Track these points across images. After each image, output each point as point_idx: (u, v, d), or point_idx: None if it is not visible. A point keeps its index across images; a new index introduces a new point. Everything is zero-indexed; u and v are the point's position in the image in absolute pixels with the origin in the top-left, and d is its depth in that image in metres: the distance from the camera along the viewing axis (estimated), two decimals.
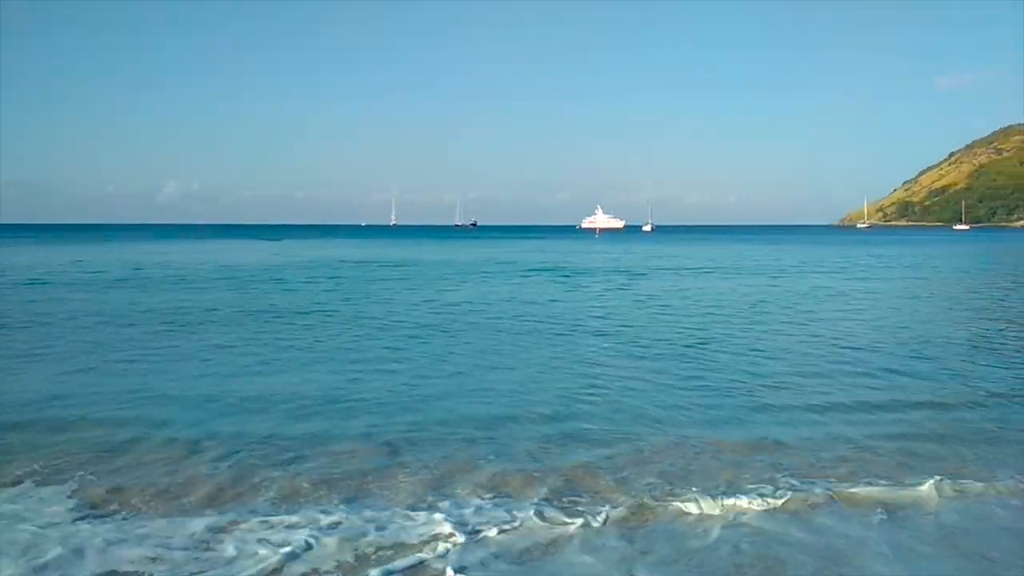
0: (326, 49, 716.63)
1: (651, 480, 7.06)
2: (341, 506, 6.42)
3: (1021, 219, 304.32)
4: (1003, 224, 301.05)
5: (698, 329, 17.18)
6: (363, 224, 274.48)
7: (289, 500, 6.61)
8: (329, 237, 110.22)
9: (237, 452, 7.83)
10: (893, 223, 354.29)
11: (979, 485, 6.91)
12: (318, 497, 6.65)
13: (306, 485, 6.93)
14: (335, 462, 7.59)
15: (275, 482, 7.00)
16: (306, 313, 20.14)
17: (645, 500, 6.51)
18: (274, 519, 6.12)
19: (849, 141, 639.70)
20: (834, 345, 14.90)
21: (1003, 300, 24.59)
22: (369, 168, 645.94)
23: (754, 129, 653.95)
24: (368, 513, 6.25)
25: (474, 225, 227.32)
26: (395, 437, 8.43)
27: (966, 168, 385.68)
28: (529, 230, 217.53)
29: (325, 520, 6.09)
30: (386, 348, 14.65)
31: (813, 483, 6.93)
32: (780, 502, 6.43)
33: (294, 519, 6.12)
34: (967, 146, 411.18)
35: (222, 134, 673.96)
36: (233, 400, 10.13)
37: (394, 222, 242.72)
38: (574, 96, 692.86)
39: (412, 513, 6.27)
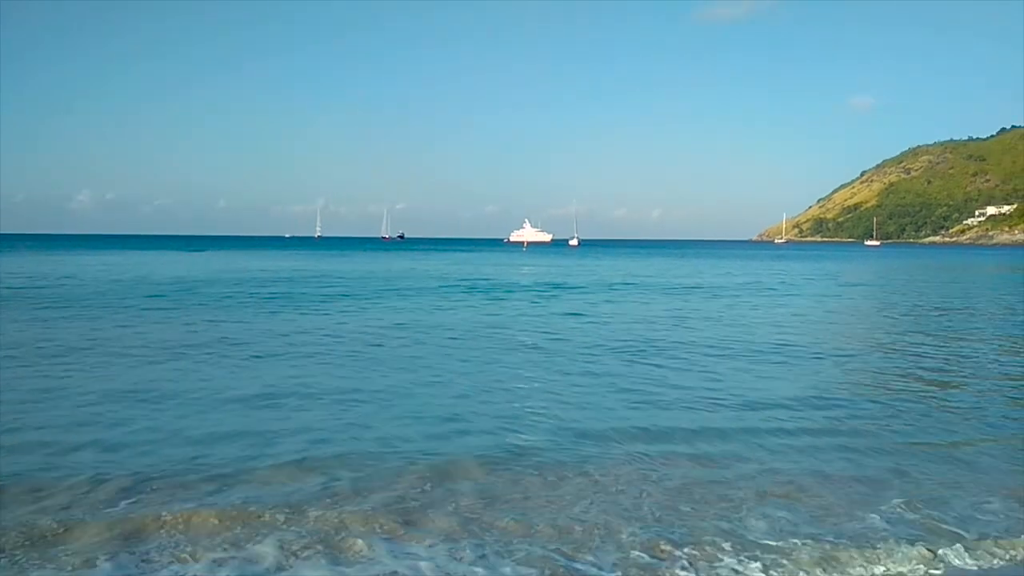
0: (248, 56, 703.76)
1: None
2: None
3: (928, 235, 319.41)
4: (911, 240, 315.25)
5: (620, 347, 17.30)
6: (287, 236, 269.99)
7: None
8: (251, 249, 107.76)
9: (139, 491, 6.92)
10: (808, 239, 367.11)
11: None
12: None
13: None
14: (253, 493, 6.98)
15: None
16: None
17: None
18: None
19: (767, 159, 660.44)
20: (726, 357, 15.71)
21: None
22: (294, 179, 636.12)
23: (675, 146, 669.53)
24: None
25: (402, 237, 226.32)
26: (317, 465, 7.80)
27: (877, 186, 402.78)
28: (457, 243, 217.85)
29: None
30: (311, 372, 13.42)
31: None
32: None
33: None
34: (878, 165, 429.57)
35: (140, 140, 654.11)
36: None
37: (319, 234, 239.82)
38: (503, 109, 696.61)
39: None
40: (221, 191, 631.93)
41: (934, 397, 11.52)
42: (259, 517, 6.26)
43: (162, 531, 5.98)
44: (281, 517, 6.25)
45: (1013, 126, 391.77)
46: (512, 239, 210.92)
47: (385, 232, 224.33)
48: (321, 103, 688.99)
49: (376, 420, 9.61)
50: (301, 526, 6.10)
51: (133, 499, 6.70)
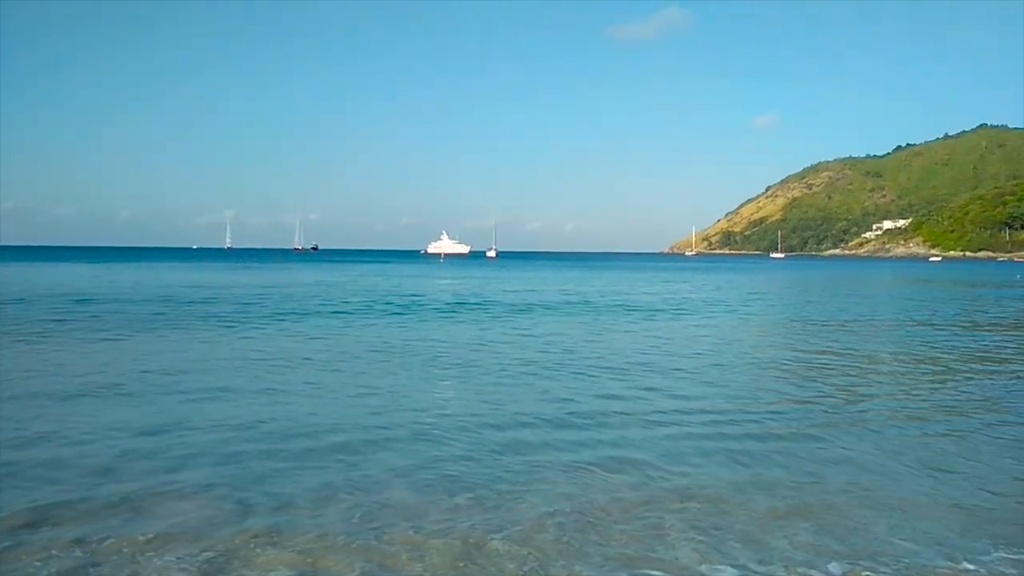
0: (157, 59, 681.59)
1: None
2: None
3: (829, 248, 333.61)
4: (814, 253, 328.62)
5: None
6: (194, 247, 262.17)
7: None
8: (153, 261, 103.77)
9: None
10: (717, 251, 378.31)
11: None
12: None
13: None
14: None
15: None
16: None
17: None
18: None
19: (677, 175, 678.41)
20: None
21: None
22: (202, 188, 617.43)
23: (590, 160, 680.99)
24: None
25: (315, 249, 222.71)
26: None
27: (781, 201, 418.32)
28: (373, 254, 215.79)
29: None
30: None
31: None
32: None
33: None
34: (782, 181, 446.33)
35: (37, 148, 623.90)
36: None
37: (228, 245, 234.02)
38: (420, 120, 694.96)
39: None
40: (124, 201, 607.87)
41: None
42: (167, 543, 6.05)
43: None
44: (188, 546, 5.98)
45: (908, 144, 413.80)
46: (430, 250, 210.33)
47: (298, 243, 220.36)
48: (232, 110, 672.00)
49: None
50: (210, 550, 5.92)
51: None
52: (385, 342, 19.27)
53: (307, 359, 16.10)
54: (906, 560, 5.91)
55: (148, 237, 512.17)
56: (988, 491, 7.58)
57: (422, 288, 44.43)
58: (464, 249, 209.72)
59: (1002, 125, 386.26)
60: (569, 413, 10.87)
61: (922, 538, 6.33)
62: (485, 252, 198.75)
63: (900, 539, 6.32)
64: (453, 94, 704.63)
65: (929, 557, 5.96)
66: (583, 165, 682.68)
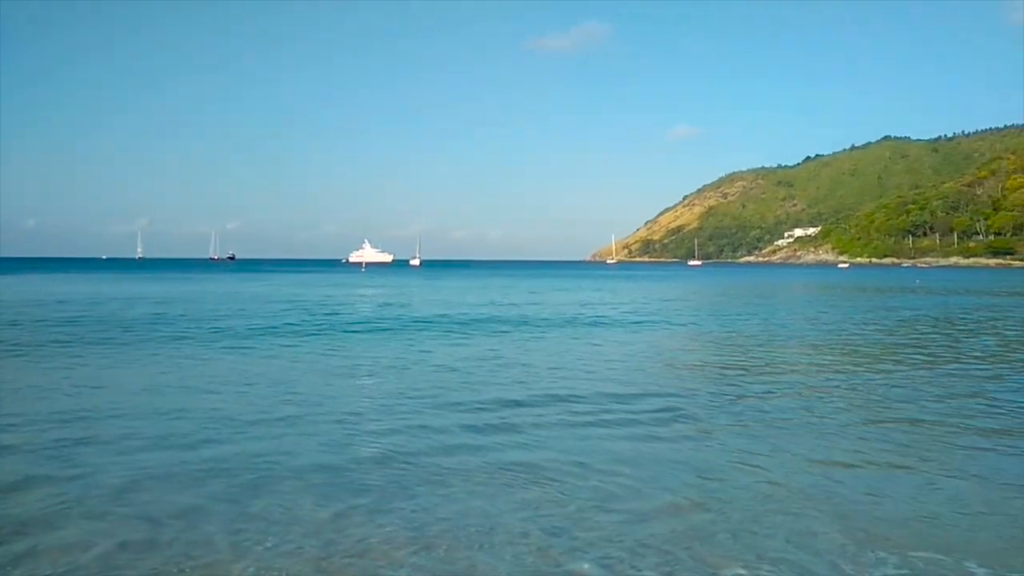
0: (63, 60, 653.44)
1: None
2: None
3: (744, 255, 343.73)
4: (729, 260, 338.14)
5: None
6: (104, 258, 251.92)
7: None
8: (56, 272, 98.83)
9: None
10: (637, 259, 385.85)
11: None
12: None
13: None
14: None
15: None
16: None
17: None
18: None
19: (598, 185, 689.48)
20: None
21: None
22: (113, 196, 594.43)
23: (513, 171, 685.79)
24: None
25: (232, 258, 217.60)
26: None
27: (698, 210, 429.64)
28: (293, 263, 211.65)
29: None
30: None
31: None
32: None
33: None
34: (698, 190, 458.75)
35: None
36: None
37: (141, 255, 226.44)
38: (343, 127, 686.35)
39: None
40: (31, 209, 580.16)
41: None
42: None
43: None
44: None
45: (817, 155, 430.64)
46: (351, 259, 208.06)
47: (214, 253, 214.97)
48: (145, 114, 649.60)
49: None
50: None
51: None
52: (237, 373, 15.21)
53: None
54: (795, 561, 5.85)
55: (56, 247, 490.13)
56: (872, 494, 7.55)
57: (323, 298, 43.21)
58: (387, 258, 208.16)
59: (904, 137, 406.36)
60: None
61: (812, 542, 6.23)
62: (408, 261, 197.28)
63: (794, 541, 6.24)
64: (376, 104, 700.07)
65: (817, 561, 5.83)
66: (508, 175, 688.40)
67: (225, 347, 19.37)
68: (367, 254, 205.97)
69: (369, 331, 23.99)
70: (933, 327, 27.36)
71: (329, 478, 7.98)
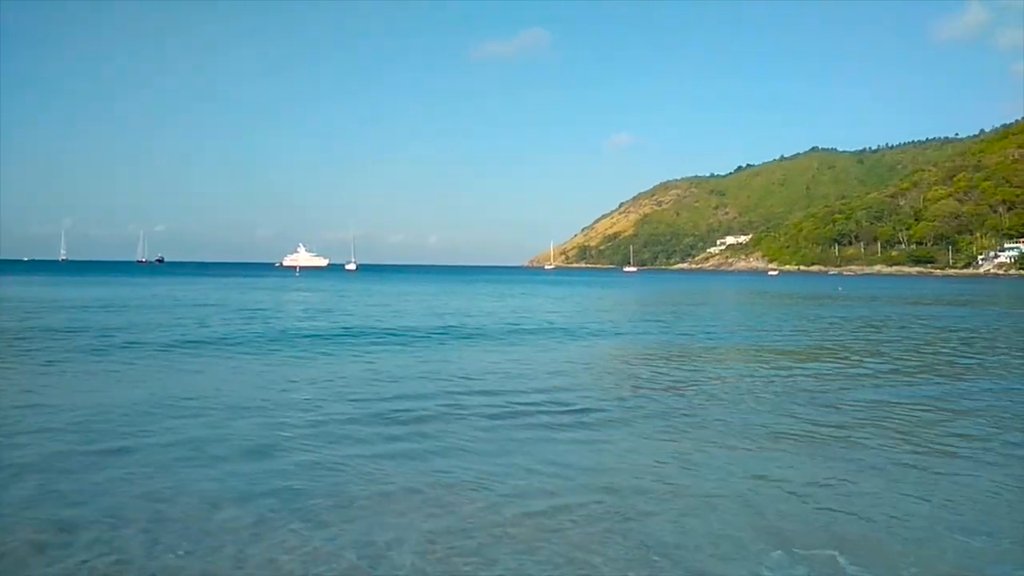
0: None
1: None
2: None
3: (677, 262, 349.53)
4: (663, 267, 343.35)
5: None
6: (24, 259, 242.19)
7: None
8: None
9: None
10: (574, 265, 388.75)
11: None
12: None
13: None
14: None
15: None
16: None
17: None
18: None
19: (536, 190, 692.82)
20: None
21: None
22: (35, 195, 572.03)
23: (452, 175, 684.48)
24: None
25: (161, 261, 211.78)
26: None
27: (633, 217, 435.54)
28: (224, 267, 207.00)
29: None
30: None
31: None
32: None
33: None
34: (634, 198, 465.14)
35: None
36: None
37: (64, 257, 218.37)
38: (279, 129, 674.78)
39: None
40: None
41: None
42: None
43: None
44: None
45: (748, 165, 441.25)
46: (285, 263, 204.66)
47: (142, 255, 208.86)
48: (73, 111, 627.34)
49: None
50: None
51: None
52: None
53: None
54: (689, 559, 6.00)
55: None
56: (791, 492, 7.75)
57: (251, 304, 42.33)
58: (322, 262, 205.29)
59: (831, 148, 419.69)
60: None
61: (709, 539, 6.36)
62: (344, 265, 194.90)
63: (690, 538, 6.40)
64: (314, 106, 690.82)
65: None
66: (446, 179, 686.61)
67: (139, 359, 17.59)
68: (302, 258, 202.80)
69: (294, 341, 22.18)
70: (852, 333, 28.33)
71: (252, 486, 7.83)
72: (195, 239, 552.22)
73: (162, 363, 16.84)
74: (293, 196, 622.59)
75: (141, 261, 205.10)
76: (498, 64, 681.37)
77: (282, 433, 10.08)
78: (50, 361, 16.66)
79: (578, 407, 12.28)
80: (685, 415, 11.76)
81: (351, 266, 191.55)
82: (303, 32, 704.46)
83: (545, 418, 11.38)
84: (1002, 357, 20.52)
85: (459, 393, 13.42)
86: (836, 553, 6.14)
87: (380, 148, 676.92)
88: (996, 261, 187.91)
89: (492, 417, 11.40)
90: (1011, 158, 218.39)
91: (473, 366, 17.23)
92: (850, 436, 10.34)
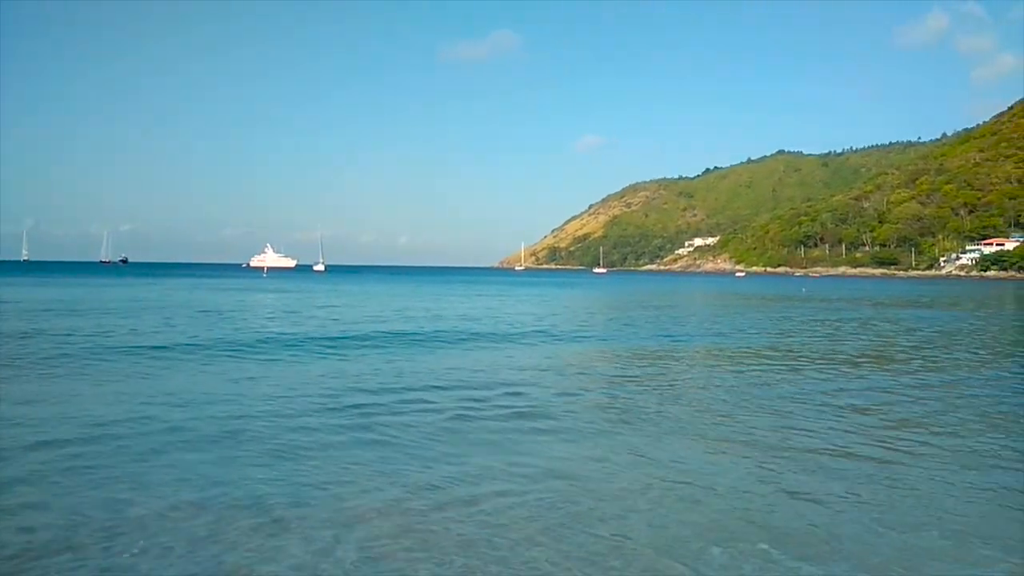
0: None
1: None
2: None
3: (646, 264, 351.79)
4: (632, 268, 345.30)
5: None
6: None
7: None
8: None
9: None
10: (544, 266, 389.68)
11: None
12: None
13: None
14: None
15: None
16: None
17: None
18: None
19: (507, 191, 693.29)
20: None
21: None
22: None
23: (423, 175, 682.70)
24: None
25: (125, 262, 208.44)
26: None
27: (603, 219, 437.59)
28: (190, 267, 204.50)
29: None
30: None
31: None
32: None
33: None
34: (603, 199, 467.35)
35: None
36: None
37: (26, 257, 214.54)
38: (247, 126, 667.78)
39: None
40: None
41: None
42: None
43: None
44: None
45: (715, 167, 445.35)
46: (253, 264, 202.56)
47: (105, 256, 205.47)
48: (33, 108, 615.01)
49: None
50: None
51: None
52: None
53: None
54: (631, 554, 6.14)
55: None
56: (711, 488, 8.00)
57: (216, 306, 41.95)
58: (290, 263, 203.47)
59: (797, 151, 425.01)
60: None
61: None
62: (312, 266, 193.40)
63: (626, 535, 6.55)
64: (284, 107, 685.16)
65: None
66: (416, 180, 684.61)
67: (100, 365, 17.33)
68: (269, 259, 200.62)
69: (257, 347, 21.23)
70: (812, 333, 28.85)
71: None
72: (160, 239, 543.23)
73: (124, 369, 16.61)
74: (261, 196, 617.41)
75: (105, 261, 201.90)
76: (468, 66, 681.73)
77: (243, 435, 10.11)
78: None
79: (536, 406, 12.44)
80: (639, 415, 11.97)
81: (319, 267, 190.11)
82: (272, 33, 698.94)
83: (502, 415, 11.53)
84: (959, 353, 21.02)
85: (420, 391, 13.52)
86: (768, 546, 6.36)
87: (350, 148, 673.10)
88: (958, 263, 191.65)
89: (452, 416, 11.52)
90: (972, 162, 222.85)
91: (433, 369, 17.25)
92: (791, 434, 10.61)
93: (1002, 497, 7.79)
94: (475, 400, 12.95)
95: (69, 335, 22.34)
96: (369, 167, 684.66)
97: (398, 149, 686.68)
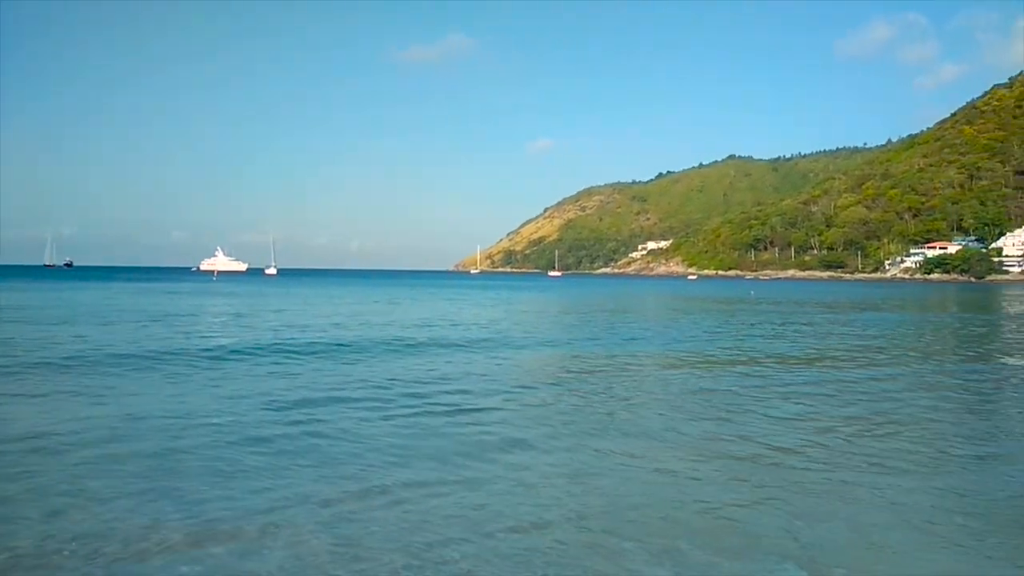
0: None
1: None
2: None
3: (600, 267, 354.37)
4: (587, 271, 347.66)
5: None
6: None
7: None
8: None
9: None
10: (500, 269, 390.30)
11: None
12: None
13: None
14: None
15: None
16: None
17: None
18: None
19: (462, 195, 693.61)
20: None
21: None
22: None
23: (376, 178, 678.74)
24: None
25: (69, 265, 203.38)
26: None
27: (558, 222, 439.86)
28: (137, 271, 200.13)
29: None
30: None
31: None
32: None
33: None
34: (558, 203, 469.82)
35: None
36: None
37: None
38: (195, 128, 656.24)
39: None
40: None
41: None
42: None
43: None
44: None
45: (668, 172, 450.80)
46: (203, 267, 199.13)
47: (49, 259, 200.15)
48: None
49: None
50: None
51: None
52: None
53: None
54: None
55: None
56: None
57: (161, 313, 41.08)
58: (241, 267, 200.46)
59: (748, 156, 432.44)
60: None
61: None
62: (264, 269, 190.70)
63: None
64: (234, 108, 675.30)
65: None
66: (370, 183, 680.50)
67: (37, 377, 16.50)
68: (220, 262, 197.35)
69: (204, 353, 20.19)
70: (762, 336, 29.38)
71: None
72: (107, 242, 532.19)
73: (68, 379, 16.04)
74: (211, 198, 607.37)
75: (48, 265, 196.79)
76: (421, 69, 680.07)
77: (183, 442, 9.94)
78: None
79: (480, 410, 12.47)
80: (578, 418, 12.11)
81: (271, 270, 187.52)
82: (220, 34, 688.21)
83: (445, 421, 11.54)
84: (899, 356, 21.57)
85: (364, 400, 13.44)
86: (683, 543, 6.52)
87: (303, 151, 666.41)
88: (902, 266, 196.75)
89: (393, 423, 11.47)
90: (916, 167, 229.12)
91: (377, 375, 17.09)
92: (720, 434, 10.82)
93: (907, 494, 8.04)
94: (418, 406, 12.90)
95: (7, 341, 21.68)
96: (323, 170, 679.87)
97: (352, 152, 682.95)
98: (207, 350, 20.43)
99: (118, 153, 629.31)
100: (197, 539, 6.44)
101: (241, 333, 26.13)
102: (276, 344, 22.27)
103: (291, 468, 8.73)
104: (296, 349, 21.16)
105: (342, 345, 22.53)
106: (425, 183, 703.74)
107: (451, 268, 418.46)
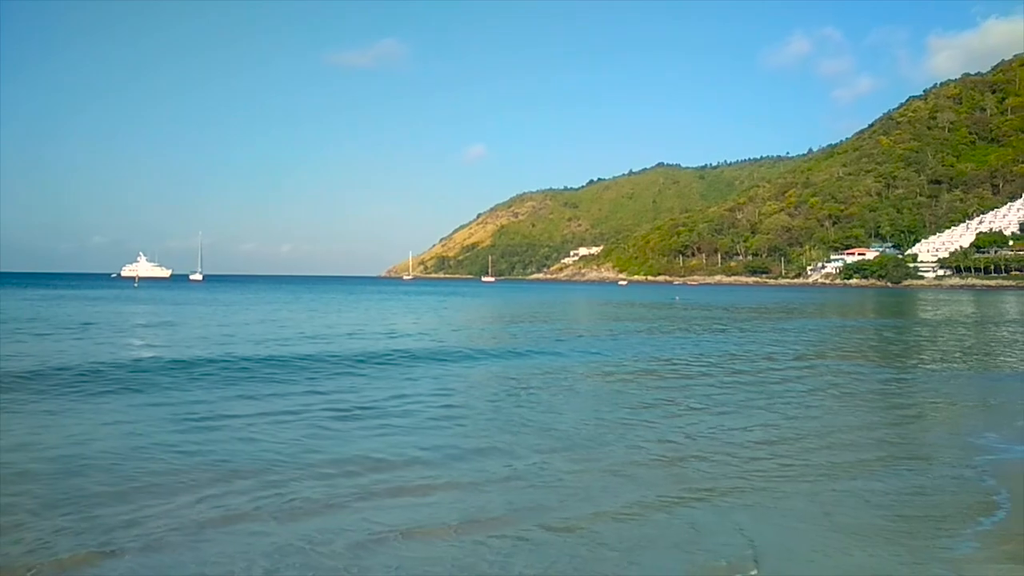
0: None
1: None
2: None
3: (533, 272, 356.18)
4: (520, 277, 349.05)
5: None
6: None
7: None
8: None
9: None
10: (433, 275, 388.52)
11: None
12: None
13: None
14: None
15: None
16: None
17: None
18: None
19: (393, 201, 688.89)
20: None
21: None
22: None
23: (305, 183, 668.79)
24: None
25: None
26: None
27: (491, 228, 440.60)
28: (52, 277, 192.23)
29: None
30: None
31: None
32: None
33: None
34: (491, 209, 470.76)
35: None
36: None
37: None
38: (117, 127, 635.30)
39: None
40: None
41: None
42: None
43: None
44: None
45: (599, 179, 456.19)
46: (124, 274, 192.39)
47: None
48: None
49: None
50: None
51: None
52: None
53: None
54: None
55: None
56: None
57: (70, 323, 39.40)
58: (165, 273, 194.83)
59: (676, 164, 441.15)
60: None
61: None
62: (189, 275, 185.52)
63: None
64: (160, 110, 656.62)
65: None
66: (302, 187, 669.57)
67: None
68: (142, 268, 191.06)
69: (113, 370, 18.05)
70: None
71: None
72: (19, 247, 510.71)
73: None
74: (133, 202, 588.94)
75: None
76: (355, 74, 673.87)
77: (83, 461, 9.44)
78: None
79: (401, 424, 12.27)
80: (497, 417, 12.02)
81: (197, 276, 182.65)
82: (149, 32, 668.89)
83: (362, 435, 11.30)
84: (804, 360, 22.15)
85: (278, 414, 13.05)
86: (537, 528, 7.01)
87: (229, 154, 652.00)
88: (823, 271, 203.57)
89: (306, 435, 11.18)
90: (836, 176, 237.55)
91: (295, 393, 16.50)
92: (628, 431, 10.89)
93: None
94: (335, 419, 12.62)
95: None
96: (251, 174, 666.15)
97: (281, 156, 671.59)
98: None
99: (29, 153, 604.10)
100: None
101: (156, 346, 25.13)
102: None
103: None
104: (212, 363, 20.33)
105: (270, 360, 21.46)
106: (358, 189, 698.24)
107: (383, 274, 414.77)
